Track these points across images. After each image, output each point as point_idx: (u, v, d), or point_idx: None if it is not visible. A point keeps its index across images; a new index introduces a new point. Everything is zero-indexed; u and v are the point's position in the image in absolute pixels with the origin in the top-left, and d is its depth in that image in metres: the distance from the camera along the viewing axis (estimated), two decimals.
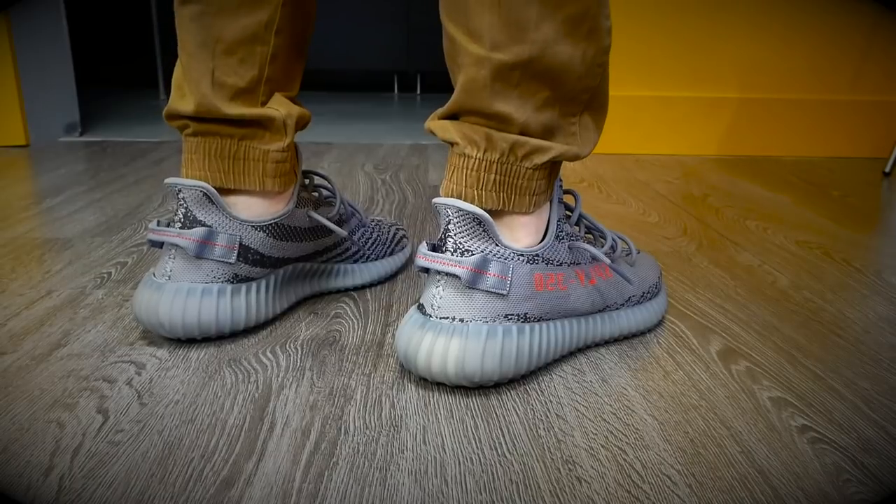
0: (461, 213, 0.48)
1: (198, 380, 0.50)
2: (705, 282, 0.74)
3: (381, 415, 0.46)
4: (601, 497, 0.38)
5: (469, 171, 0.49)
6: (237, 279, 0.56)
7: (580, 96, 0.50)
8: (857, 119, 1.52)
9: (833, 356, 0.57)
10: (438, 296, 0.49)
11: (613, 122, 1.50)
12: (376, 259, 0.70)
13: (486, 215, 0.48)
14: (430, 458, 0.42)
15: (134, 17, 2.96)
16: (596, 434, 0.45)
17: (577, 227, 0.57)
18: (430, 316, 0.49)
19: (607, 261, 0.54)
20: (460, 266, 0.47)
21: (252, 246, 0.56)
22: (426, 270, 0.50)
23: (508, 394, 0.49)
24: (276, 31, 0.55)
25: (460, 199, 0.49)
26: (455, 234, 0.48)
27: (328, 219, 0.63)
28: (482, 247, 0.48)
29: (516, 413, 0.47)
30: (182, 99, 0.55)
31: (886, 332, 0.62)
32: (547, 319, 0.52)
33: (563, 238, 0.53)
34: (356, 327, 0.60)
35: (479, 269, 0.48)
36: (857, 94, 1.52)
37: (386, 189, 1.13)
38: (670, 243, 0.87)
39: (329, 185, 0.66)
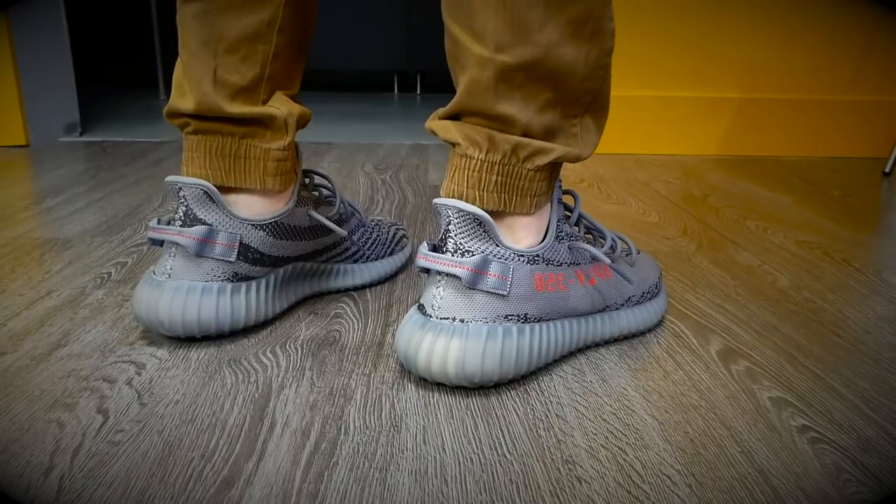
0: (462, 213, 0.48)
1: (198, 380, 0.50)
2: (705, 282, 0.74)
3: (381, 415, 0.46)
4: (601, 497, 0.38)
5: (471, 172, 0.49)
6: (237, 278, 0.56)
7: (582, 98, 0.50)
8: (857, 119, 1.52)
9: (833, 356, 0.57)
10: (439, 296, 0.49)
11: (613, 122, 1.50)
12: (376, 259, 0.70)
13: (487, 216, 0.48)
14: (430, 458, 0.42)
15: (134, 17, 2.96)
16: (596, 434, 0.45)
17: (576, 228, 0.57)
18: (431, 316, 0.49)
19: (607, 260, 0.54)
20: (461, 266, 0.48)
21: (252, 245, 0.56)
22: (427, 271, 0.50)
23: (508, 394, 0.49)
24: (278, 30, 0.55)
25: (462, 199, 0.49)
26: (455, 235, 0.48)
27: (328, 218, 0.63)
28: (482, 247, 0.48)
29: (516, 413, 0.47)
30: (183, 97, 0.55)
31: (886, 332, 0.62)
32: (547, 320, 0.52)
33: (563, 238, 0.53)
34: (356, 327, 0.60)
35: (480, 270, 0.48)
36: (856, 94, 1.52)
37: (386, 189, 1.13)
38: (670, 243, 0.87)
39: (329, 185, 0.66)
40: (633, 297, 0.59)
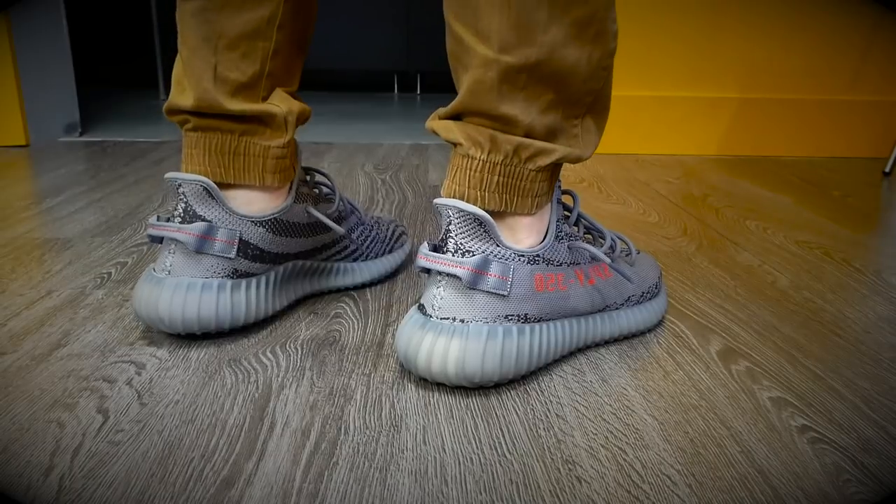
0: (462, 213, 0.48)
1: (198, 380, 0.50)
2: (705, 282, 0.74)
3: (381, 415, 0.46)
4: (601, 497, 0.38)
5: (472, 173, 0.49)
6: (237, 274, 0.56)
7: (584, 99, 0.50)
8: (857, 119, 1.52)
9: (833, 356, 0.57)
10: (439, 296, 0.49)
11: (613, 122, 1.50)
12: (375, 257, 0.70)
13: (487, 216, 0.48)
14: (430, 458, 0.42)
15: (134, 17, 2.96)
16: (596, 434, 0.45)
17: (575, 228, 0.57)
18: (431, 316, 0.49)
19: (607, 260, 0.54)
20: (461, 267, 0.47)
21: (252, 241, 0.56)
22: (427, 271, 0.50)
23: (508, 394, 0.49)
24: (278, 27, 0.55)
25: (463, 199, 0.49)
26: (456, 235, 0.48)
27: (327, 216, 0.63)
28: (483, 247, 0.48)
29: (516, 413, 0.47)
30: (182, 94, 0.55)
31: (886, 332, 0.62)
32: (547, 320, 0.52)
33: (562, 238, 0.53)
34: (356, 327, 0.60)
35: (480, 270, 0.48)
36: (856, 94, 1.52)
37: (386, 189, 1.13)
38: (670, 243, 0.87)
39: (329, 183, 0.66)
40: (633, 296, 0.59)
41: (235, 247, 0.55)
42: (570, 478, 0.40)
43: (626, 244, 0.62)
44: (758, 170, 1.37)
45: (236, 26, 0.54)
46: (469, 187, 0.49)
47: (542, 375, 0.52)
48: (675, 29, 1.46)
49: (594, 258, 0.55)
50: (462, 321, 0.48)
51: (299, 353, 0.55)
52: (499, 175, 0.49)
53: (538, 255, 0.50)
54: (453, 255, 0.48)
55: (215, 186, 0.54)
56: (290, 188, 0.59)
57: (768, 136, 1.53)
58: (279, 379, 0.50)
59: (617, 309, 0.58)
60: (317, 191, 0.65)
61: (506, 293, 0.48)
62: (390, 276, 0.72)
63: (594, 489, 0.39)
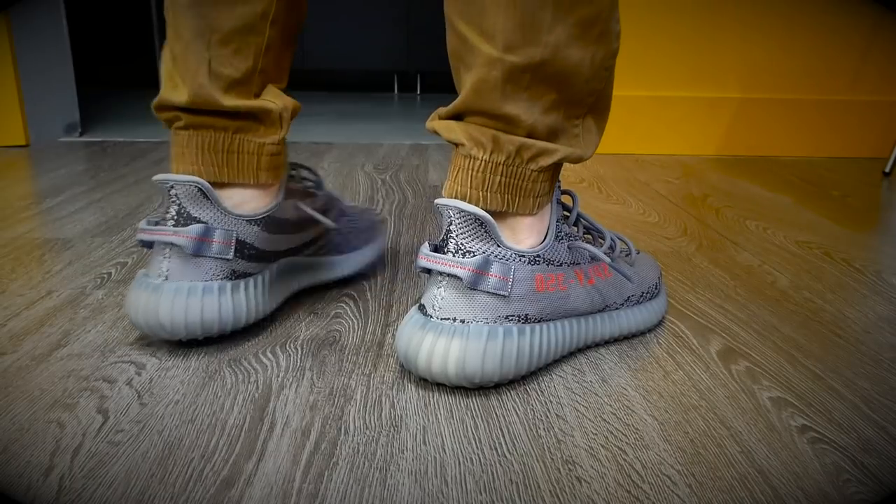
0: (463, 213, 0.48)
1: (198, 380, 0.50)
2: (705, 282, 0.74)
3: (381, 415, 0.46)
4: (601, 497, 0.38)
5: (475, 173, 0.49)
6: (235, 276, 0.55)
7: (586, 99, 0.50)
8: (857, 119, 1.52)
9: (833, 356, 0.57)
10: (440, 296, 0.49)
11: (613, 122, 1.50)
12: (358, 248, 0.69)
13: (488, 216, 0.48)
14: (430, 458, 0.42)
15: (134, 17, 2.96)
16: (596, 434, 0.45)
17: (575, 228, 0.57)
18: (431, 316, 0.49)
19: (607, 259, 0.54)
20: (462, 267, 0.47)
21: (248, 241, 0.55)
22: (428, 271, 0.50)
23: (508, 394, 0.49)
24: (271, 22, 0.54)
25: (465, 200, 0.49)
26: (457, 235, 0.48)
27: (315, 209, 0.63)
28: (484, 248, 0.48)
29: (516, 413, 0.47)
30: (175, 90, 0.54)
31: (886, 332, 0.62)
32: (547, 320, 0.52)
33: (562, 238, 0.53)
34: (356, 327, 0.60)
35: (481, 271, 0.48)
36: (856, 94, 1.52)
37: (386, 189, 1.13)
38: (670, 243, 0.87)
39: (313, 177, 0.66)
40: (633, 296, 0.59)
41: (233, 248, 0.54)
42: (570, 478, 0.40)
43: (626, 244, 0.62)
44: (757, 170, 1.37)
45: (230, 21, 0.53)
46: (471, 188, 0.49)
47: (542, 375, 0.52)
48: (675, 29, 1.46)
49: (594, 258, 0.55)
50: (462, 321, 0.48)
51: (299, 353, 0.55)
52: (501, 175, 0.49)
53: (538, 256, 0.50)
54: (454, 256, 0.48)
55: (210, 187, 0.53)
56: (280, 185, 0.59)
57: (768, 136, 1.53)
58: (279, 379, 0.50)
59: (617, 309, 0.58)
60: (301, 185, 0.64)
61: (506, 294, 0.48)
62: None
63: (594, 489, 0.39)
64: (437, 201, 0.50)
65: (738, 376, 0.53)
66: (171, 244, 0.52)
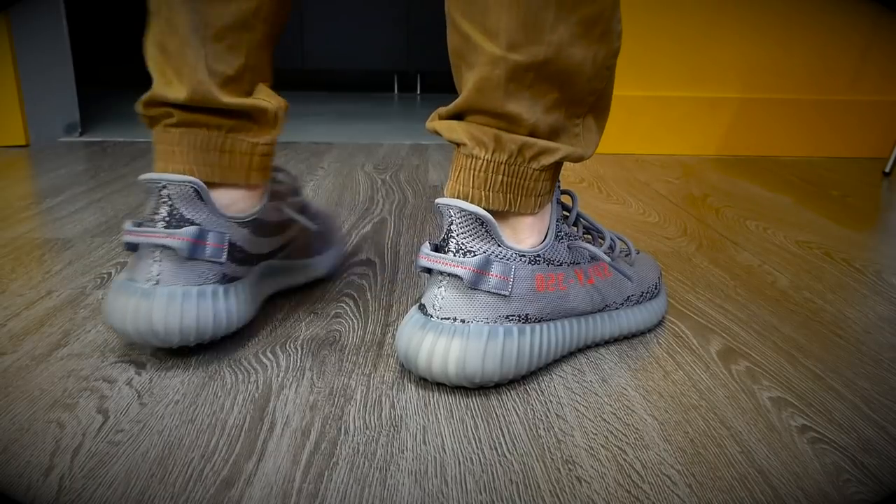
0: (464, 213, 0.48)
1: (198, 380, 0.50)
2: (705, 282, 0.74)
3: (381, 415, 0.46)
4: (601, 497, 0.38)
5: (477, 173, 0.49)
6: (225, 279, 0.53)
7: (587, 98, 0.50)
8: (857, 119, 1.52)
9: (833, 356, 0.57)
10: (440, 296, 0.49)
11: (613, 122, 1.50)
12: (324, 250, 0.68)
13: (489, 216, 0.48)
14: (430, 458, 0.42)
15: (134, 17, 2.96)
16: (596, 434, 0.45)
17: (574, 228, 0.57)
18: (432, 316, 0.49)
19: (607, 259, 0.54)
20: (462, 267, 0.47)
21: (238, 243, 0.54)
22: (428, 271, 0.50)
23: (508, 394, 0.49)
24: (263, 19, 0.54)
25: (467, 199, 0.49)
26: (458, 235, 0.48)
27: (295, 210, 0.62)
28: (484, 248, 0.48)
29: (516, 413, 0.47)
30: (170, 86, 0.52)
31: (886, 332, 0.62)
32: (547, 320, 0.52)
33: (562, 238, 0.53)
34: (356, 327, 0.60)
35: (482, 270, 0.48)
36: (856, 94, 1.52)
37: (386, 189, 1.13)
38: (670, 243, 0.87)
39: (288, 178, 0.65)
40: (633, 296, 0.59)
41: (226, 250, 0.52)
42: (570, 478, 0.40)
43: (626, 244, 0.62)
44: (757, 170, 1.37)
45: (224, 16, 0.52)
46: (473, 187, 0.49)
47: (542, 375, 0.52)
48: (675, 29, 1.46)
49: (594, 258, 0.55)
50: (463, 321, 0.48)
51: (299, 353, 0.55)
52: (503, 174, 0.49)
53: (539, 256, 0.50)
54: (455, 255, 0.48)
55: (206, 187, 0.51)
56: (267, 186, 0.58)
57: (768, 136, 1.53)
58: (279, 379, 0.50)
59: (617, 309, 0.58)
60: (282, 187, 0.63)
61: (507, 293, 0.48)
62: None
63: (594, 489, 0.39)
64: (437, 201, 0.50)
65: (738, 376, 0.53)
66: (163, 246, 0.50)
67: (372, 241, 0.85)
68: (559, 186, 0.54)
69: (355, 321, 0.61)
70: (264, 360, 0.53)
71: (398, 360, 0.54)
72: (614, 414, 0.47)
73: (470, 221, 0.48)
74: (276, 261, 0.62)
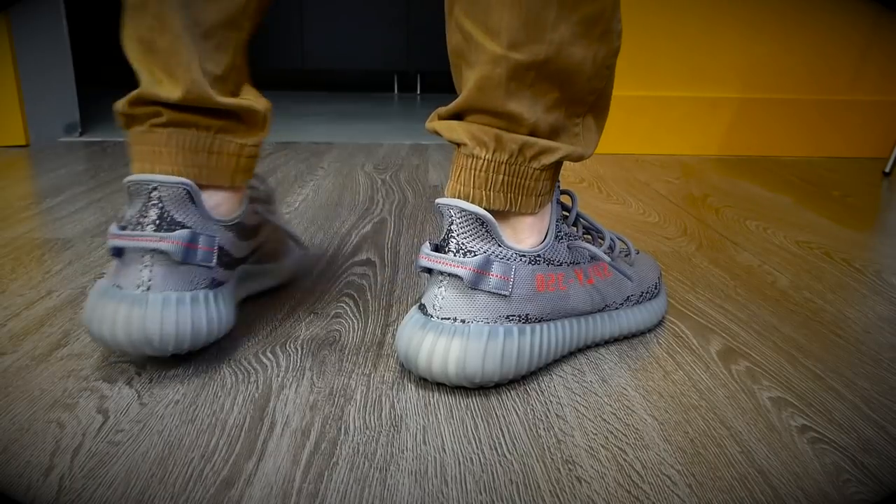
0: (464, 213, 0.48)
1: (198, 380, 0.50)
2: (705, 282, 0.74)
3: (381, 415, 0.46)
4: (601, 497, 0.38)
5: (477, 172, 0.49)
6: (214, 284, 0.52)
7: (587, 98, 0.50)
8: (857, 119, 1.52)
9: (833, 356, 0.57)
10: (440, 296, 0.49)
11: (613, 122, 1.50)
12: (287, 254, 0.67)
13: (489, 216, 0.48)
14: (430, 458, 0.42)
15: None
16: (596, 434, 0.45)
17: (574, 228, 0.57)
18: (432, 316, 0.49)
19: (607, 259, 0.54)
20: (463, 267, 0.47)
21: (225, 247, 0.53)
22: (429, 271, 0.50)
23: (508, 394, 0.49)
24: (249, 17, 0.53)
25: (468, 200, 0.49)
26: (458, 235, 0.48)
27: (268, 210, 0.62)
28: (485, 247, 0.48)
29: (516, 413, 0.47)
30: (160, 84, 0.50)
31: (886, 332, 0.62)
32: (548, 320, 0.52)
33: (562, 238, 0.53)
34: (356, 327, 0.60)
35: (482, 270, 0.48)
36: (856, 93, 1.52)
37: (386, 189, 1.13)
38: (670, 243, 0.87)
39: (261, 184, 0.64)
40: (633, 296, 0.59)
41: (215, 254, 0.51)
42: (570, 478, 0.40)
43: (626, 244, 0.62)
44: (758, 170, 1.37)
45: (213, 14, 0.51)
46: (474, 187, 0.49)
47: (542, 375, 0.52)
48: (675, 29, 1.46)
49: (594, 257, 0.55)
50: (463, 321, 0.48)
51: (299, 353, 0.55)
52: (504, 174, 0.49)
53: (539, 256, 0.50)
54: (455, 255, 0.48)
55: (198, 189, 0.50)
56: (247, 189, 0.57)
57: (768, 136, 1.53)
58: (279, 379, 0.50)
59: (617, 308, 0.58)
60: (257, 190, 0.63)
61: (507, 293, 0.48)
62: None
63: (594, 489, 0.39)
64: (438, 201, 0.50)
65: (738, 376, 0.53)
66: (154, 251, 0.48)
67: (372, 241, 0.85)
68: (559, 186, 0.55)
69: (355, 321, 0.61)
70: (264, 360, 0.53)
71: (398, 360, 0.54)
72: (614, 414, 0.47)
73: (470, 221, 0.48)
74: (248, 265, 0.61)
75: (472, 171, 0.49)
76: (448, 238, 0.49)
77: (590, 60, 0.48)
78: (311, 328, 0.59)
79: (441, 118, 0.52)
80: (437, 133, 0.51)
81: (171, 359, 0.53)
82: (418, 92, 2.86)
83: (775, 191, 1.19)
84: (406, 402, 0.48)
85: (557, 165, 0.51)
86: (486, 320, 0.48)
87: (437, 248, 0.50)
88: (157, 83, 0.50)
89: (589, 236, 0.59)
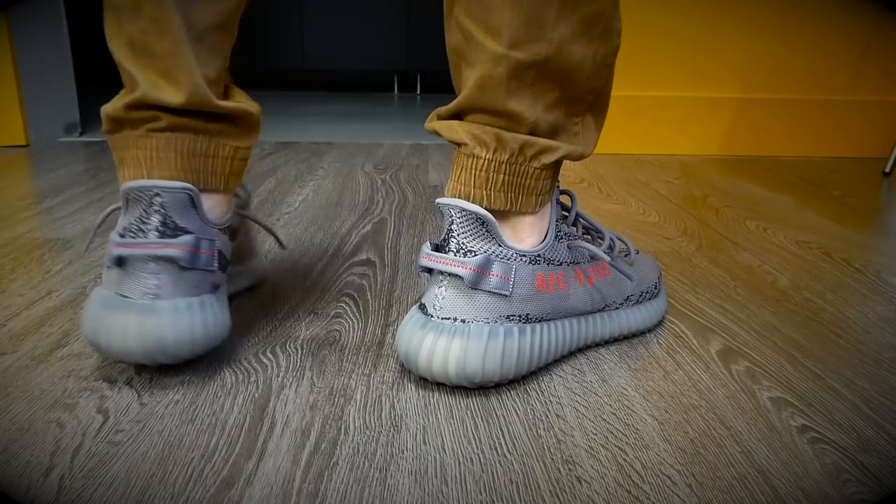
0: (464, 213, 0.48)
1: (198, 380, 0.50)
2: (705, 282, 0.74)
3: (381, 415, 0.46)
4: (601, 497, 0.38)
5: (478, 172, 0.49)
6: (214, 287, 0.52)
7: (586, 97, 0.50)
8: (857, 119, 1.52)
9: (833, 356, 0.57)
10: (441, 296, 0.49)
11: (613, 122, 1.50)
12: (254, 256, 0.67)
13: (490, 216, 0.48)
14: (430, 458, 0.42)
15: None
16: (596, 434, 0.45)
17: (574, 228, 0.57)
18: (432, 316, 0.49)
19: (606, 258, 0.54)
20: (463, 266, 0.47)
21: (222, 251, 0.52)
22: (429, 270, 0.50)
23: (508, 394, 0.49)
24: (237, 19, 0.53)
25: (469, 199, 0.49)
26: (458, 235, 0.48)
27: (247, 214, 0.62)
28: (485, 247, 0.48)
29: (516, 413, 0.47)
30: (159, 88, 0.49)
31: (886, 332, 0.62)
32: (548, 320, 0.52)
33: (561, 238, 0.53)
34: (356, 327, 0.60)
35: (482, 270, 0.48)
36: (857, 93, 1.52)
37: (386, 189, 1.13)
38: (670, 243, 0.87)
39: (240, 190, 0.63)
40: (633, 295, 0.59)
41: (216, 258, 0.51)
42: (570, 478, 0.40)
43: (626, 244, 0.62)
44: (758, 170, 1.37)
45: (208, 16, 0.50)
46: (475, 187, 0.49)
47: (542, 375, 0.52)
48: (675, 29, 1.46)
49: (593, 257, 0.55)
50: (463, 321, 0.48)
51: (299, 353, 0.55)
52: (504, 174, 0.49)
53: (539, 255, 0.50)
54: (455, 255, 0.48)
55: (199, 193, 0.49)
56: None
57: (768, 136, 1.53)
58: (279, 379, 0.50)
59: (617, 308, 0.58)
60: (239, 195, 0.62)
61: (508, 293, 0.48)
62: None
63: (594, 489, 0.39)
64: (438, 201, 0.50)
65: (738, 376, 0.53)
66: (160, 258, 0.48)
67: (372, 241, 0.85)
68: (558, 186, 0.55)
69: (355, 321, 0.61)
70: (264, 360, 0.53)
71: (398, 360, 0.54)
72: (614, 414, 0.47)
73: (471, 221, 0.48)
74: (230, 267, 0.61)
75: (473, 171, 0.49)
76: (448, 238, 0.49)
77: (590, 59, 0.48)
78: (311, 328, 0.59)
79: (440, 118, 0.52)
80: (436, 133, 0.51)
81: None
82: (418, 92, 2.86)
83: (775, 191, 1.19)
84: (406, 402, 0.48)
85: (557, 164, 0.51)
86: (486, 320, 0.48)
87: (438, 248, 0.50)
88: (155, 87, 0.49)
89: (588, 236, 0.59)
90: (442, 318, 0.48)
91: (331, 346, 0.56)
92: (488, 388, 0.50)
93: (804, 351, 0.57)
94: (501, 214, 0.50)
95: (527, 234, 0.51)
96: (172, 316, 0.47)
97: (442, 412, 0.47)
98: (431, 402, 0.48)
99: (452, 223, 0.49)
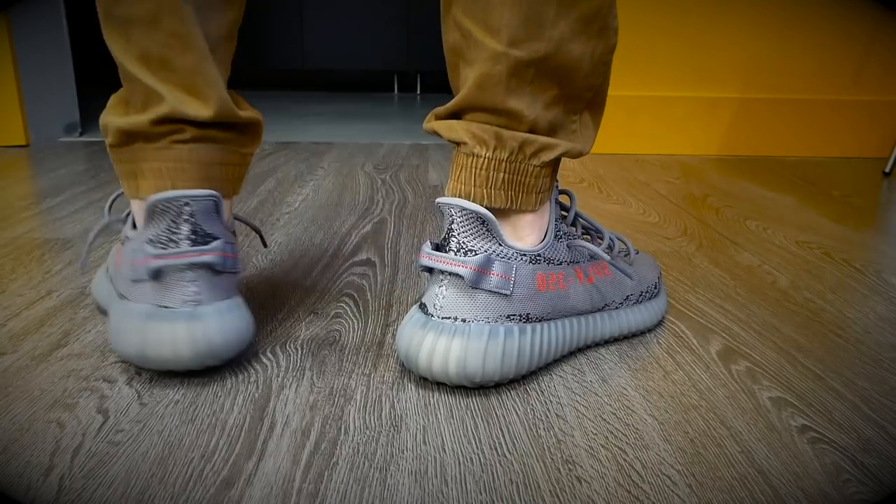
0: (465, 212, 0.48)
1: (198, 380, 0.50)
2: (705, 282, 0.74)
3: (381, 415, 0.46)
4: (601, 497, 0.38)
5: (478, 171, 0.49)
6: (237, 289, 0.53)
7: (584, 94, 0.50)
8: (858, 119, 1.52)
9: (833, 356, 0.57)
10: (441, 295, 0.49)
11: (613, 122, 1.50)
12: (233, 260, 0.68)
13: (490, 215, 0.48)
14: (430, 458, 0.42)
15: None
16: (596, 434, 0.45)
17: (573, 227, 0.57)
18: (432, 315, 0.49)
19: (606, 257, 0.54)
20: (464, 266, 0.48)
21: (236, 255, 0.53)
22: (429, 270, 0.50)
23: (508, 394, 0.49)
24: (238, 28, 0.54)
25: (469, 198, 0.49)
26: (459, 234, 0.48)
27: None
28: (486, 246, 0.48)
29: (516, 413, 0.47)
30: (186, 103, 0.49)
31: (886, 332, 0.62)
32: (548, 319, 0.52)
33: (561, 237, 0.53)
34: (356, 327, 0.60)
35: (483, 269, 0.48)
36: (857, 93, 1.52)
37: (386, 189, 1.13)
38: (670, 243, 0.87)
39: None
40: (633, 295, 0.59)
41: (239, 262, 0.52)
42: (570, 478, 0.40)
43: (625, 244, 0.62)
44: (758, 170, 1.37)
45: (220, 28, 0.51)
46: (475, 186, 0.49)
47: (542, 375, 0.52)
48: (675, 29, 1.46)
49: (593, 256, 0.55)
50: (464, 321, 0.48)
51: (299, 353, 0.55)
52: (504, 172, 0.49)
53: (539, 255, 0.50)
54: (456, 255, 0.48)
55: (223, 200, 0.51)
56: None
57: (769, 136, 1.53)
58: (279, 379, 0.50)
59: (617, 308, 0.58)
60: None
61: (508, 293, 0.48)
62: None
63: (594, 489, 0.39)
64: (438, 200, 0.50)
65: (738, 376, 0.53)
66: (197, 264, 0.49)
67: (372, 241, 0.85)
68: (557, 185, 0.55)
69: (355, 321, 0.61)
70: (264, 360, 0.53)
71: (398, 359, 0.54)
72: (614, 414, 0.47)
73: (471, 220, 0.48)
74: None
75: (473, 170, 0.49)
76: (449, 237, 0.49)
77: (588, 57, 0.48)
78: (311, 328, 0.59)
79: (439, 118, 0.52)
80: (435, 133, 0.52)
81: None
82: (418, 92, 2.86)
83: (775, 191, 1.19)
84: (406, 402, 0.48)
85: (556, 162, 0.51)
86: (486, 320, 0.48)
87: (438, 248, 0.50)
88: (182, 102, 0.49)
89: (588, 236, 0.59)
90: (442, 318, 0.48)
91: (331, 346, 0.56)
92: (488, 388, 0.50)
93: (804, 351, 0.57)
94: (501, 213, 0.50)
95: (527, 232, 0.51)
96: (218, 319, 0.49)
97: (442, 412, 0.47)
98: (431, 402, 0.48)
99: (453, 222, 0.49)
